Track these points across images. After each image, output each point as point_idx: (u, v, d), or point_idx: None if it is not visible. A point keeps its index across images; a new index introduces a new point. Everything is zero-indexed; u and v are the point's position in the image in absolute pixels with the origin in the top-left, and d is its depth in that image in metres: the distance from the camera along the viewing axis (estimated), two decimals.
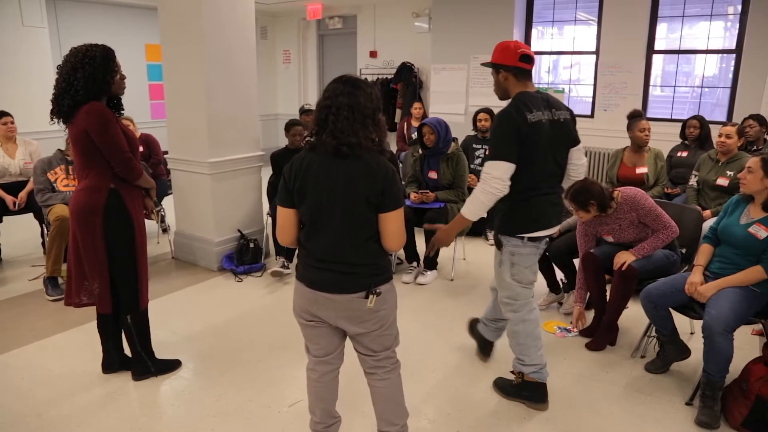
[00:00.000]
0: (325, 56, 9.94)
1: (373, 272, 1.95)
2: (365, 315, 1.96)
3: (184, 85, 4.42)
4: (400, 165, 5.91)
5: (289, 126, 4.70)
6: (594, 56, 7.03)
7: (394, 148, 7.15)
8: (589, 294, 3.43)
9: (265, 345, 3.33)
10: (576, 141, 2.58)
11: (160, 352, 3.04)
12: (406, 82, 8.26)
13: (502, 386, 2.79)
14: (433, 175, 4.44)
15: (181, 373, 3.01)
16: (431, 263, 4.39)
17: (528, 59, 2.44)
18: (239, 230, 4.67)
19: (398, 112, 8.28)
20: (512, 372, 2.76)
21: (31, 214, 4.67)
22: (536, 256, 2.57)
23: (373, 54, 8.95)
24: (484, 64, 2.60)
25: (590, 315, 3.46)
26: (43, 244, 4.74)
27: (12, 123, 4.62)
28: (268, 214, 4.71)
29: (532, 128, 2.35)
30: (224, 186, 4.55)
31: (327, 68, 9.93)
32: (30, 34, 6.81)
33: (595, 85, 7.04)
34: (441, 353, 3.22)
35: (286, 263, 4.37)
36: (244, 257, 4.51)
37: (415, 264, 4.42)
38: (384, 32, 8.82)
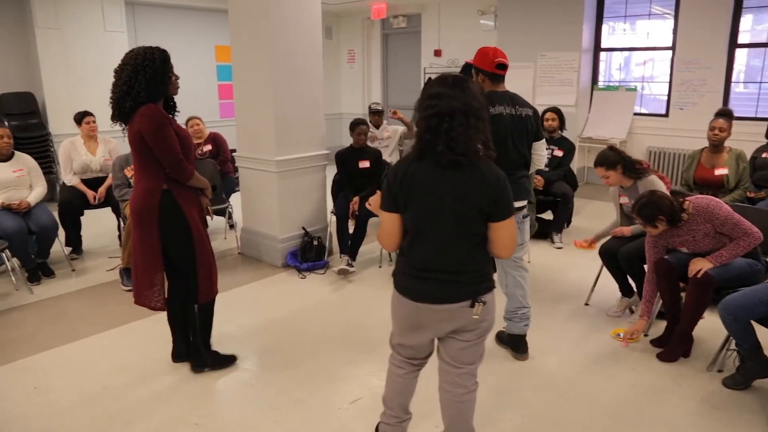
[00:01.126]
0: (389, 55, 9.97)
1: (477, 279, 1.89)
2: (470, 325, 1.90)
3: (252, 85, 4.54)
4: None
5: (354, 125, 4.74)
6: (670, 52, 6.71)
7: None
8: (662, 302, 3.27)
9: (327, 341, 3.37)
10: (538, 136, 2.99)
11: (225, 344, 3.15)
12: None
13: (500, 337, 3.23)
14: None
15: (245, 366, 3.09)
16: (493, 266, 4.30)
17: (503, 66, 2.92)
18: (304, 228, 4.75)
19: None
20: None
21: (109, 208, 4.93)
22: None
23: (437, 53, 8.90)
24: (467, 62, 3.12)
25: (662, 325, 3.30)
26: (119, 236, 5.01)
27: (94, 122, 4.90)
28: (332, 212, 4.77)
29: (493, 119, 2.72)
30: (290, 184, 4.64)
31: (391, 67, 9.97)
32: (111, 38, 7.24)
33: (670, 82, 6.72)
34: (505, 358, 3.16)
35: (350, 261, 4.41)
36: (308, 255, 4.59)
37: None
38: (449, 31, 8.75)
